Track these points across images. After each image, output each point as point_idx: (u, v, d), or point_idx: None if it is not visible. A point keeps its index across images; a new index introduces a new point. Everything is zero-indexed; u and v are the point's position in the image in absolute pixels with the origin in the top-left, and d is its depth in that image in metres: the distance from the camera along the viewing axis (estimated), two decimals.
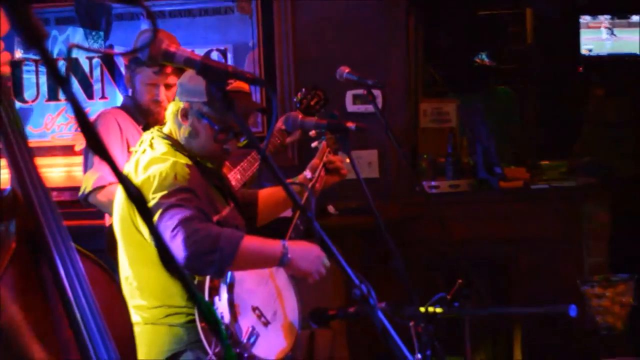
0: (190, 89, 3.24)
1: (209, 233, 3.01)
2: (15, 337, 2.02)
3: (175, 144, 3.27)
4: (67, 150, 5.53)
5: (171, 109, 3.33)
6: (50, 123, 5.54)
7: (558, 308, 2.76)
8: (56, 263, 2.04)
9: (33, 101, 5.56)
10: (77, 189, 5.44)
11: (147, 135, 3.36)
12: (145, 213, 1.36)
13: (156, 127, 3.41)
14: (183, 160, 3.21)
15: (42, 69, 5.51)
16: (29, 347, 2.01)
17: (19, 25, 1.29)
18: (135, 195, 1.35)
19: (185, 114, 3.26)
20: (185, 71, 3.25)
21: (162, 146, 3.26)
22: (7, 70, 2.20)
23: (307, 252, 3.19)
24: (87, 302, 2.06)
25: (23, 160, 2.09)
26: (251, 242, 3.11)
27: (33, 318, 2.03)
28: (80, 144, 5.47)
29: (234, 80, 2.98)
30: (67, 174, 5.51)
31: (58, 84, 1.33)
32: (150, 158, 3.22)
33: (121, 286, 2.41)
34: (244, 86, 3.23)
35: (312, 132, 3.60)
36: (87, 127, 1.29)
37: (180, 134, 3.29)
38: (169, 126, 3.34)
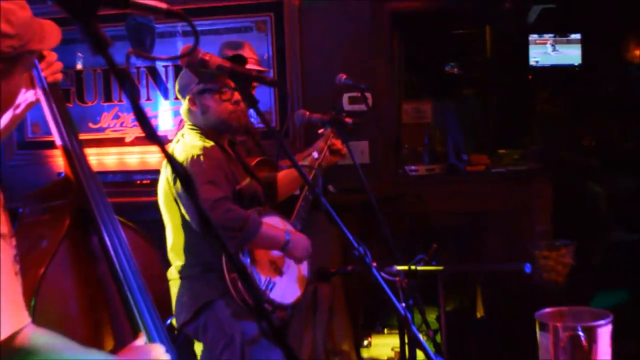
0: (185, 84, 3.28)
1: (240, 216, 3.06)
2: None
3: (201, 132, 3.26)
4: (119, 141, 5.52)
5: (182, 110, 3.34)
6: (105, 120, 5.52)
7: (516, 266, 2.71)
8: (102, 233, 2.02)
9: (92, 102, 5.53)
10: (127, 172, 5.48)
11: (179, 132, 3.36)
12: (189, 185, 1.34)
13: (186, 123, 3.38)
14: (209, 143, 3.21)
15: (99, 76, 5.51)
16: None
17: (87, 36, 1.27)
18: (181, 171, 1.33)
19: (192, 102, 3.26)
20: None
21: (191, 136, 3.27)
22: (59, 77, 2.16)
23: (300, 244, 3.28)
24: (128, 263, 2.04)
25: (74, 151, 2.05)
26: (266, 230, 3.15)
27: (84, 279, 2.00)
28: (130, 137, 5.45)
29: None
30: (119, 160, 5.50)
31: (119, 83, 1.31)
32: (183, 145, 3.22)
33: (157, 249, 2.37)
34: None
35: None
36: (142, 117, 1.28)
37: (198, 119, 3.27)
38: (190, 121, 3.32)
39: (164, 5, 1.42)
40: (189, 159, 3.12)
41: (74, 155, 2.08)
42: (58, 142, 2.11)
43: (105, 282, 2.05)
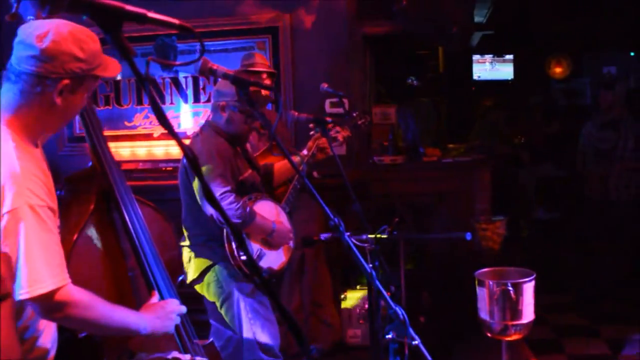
0: (225, 92, 3.18)
1: (242, 206, 3.04)
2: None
3: (217, 130, 3.21)
4: (148, 136, 5.43)
5: (212, 106, 3.27)
6: (137, 120, 5.45)
7: (460, 234, 2.67)
8: (122, 209, 1.98)
9: (127, 105, 5.46)
10: (154, 161, 5.42)
11: (199, 125, 3.31)
12: (197, 169, 1.36)
13: (206, 120, 3.33)
14: (222, 140, 3.16)
15: (132, 85, 5.45)
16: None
17: (115, 45, 1.25)
18: (191, 157, 1.34)
19: (223, 109, 3.19)
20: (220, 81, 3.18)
21: (209, 132, 3.21)
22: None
23: (283, 234, 3.27)
24: (144, 234, 2.02)
25: (100, 145, 2.01)
26: (259, 220, 3.14)
27: (108, 246, 1.97)
28: (157, 133, 5.39)
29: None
30: (148, 151, 5.42)
31: (141, 84, 1.29)
32: (202, 140, 3.17)
33: (170, 222, 2.34)
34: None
35: (312, 125, 3.55)
36: (158, 111, 1.27)
37: (221, 122, 3.22)
38: (213, 118, 3.27)
39: (176, 21, 1.37)
40: (206, 153, 3.08)
41: (100, 149, 2.03)
42: (87, 138, 2.06)
43: (126, 251, 2.01)
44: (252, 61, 3.93)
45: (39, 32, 1.70)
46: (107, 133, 5.61)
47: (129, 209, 2.01)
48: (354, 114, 3.93)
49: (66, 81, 1.71)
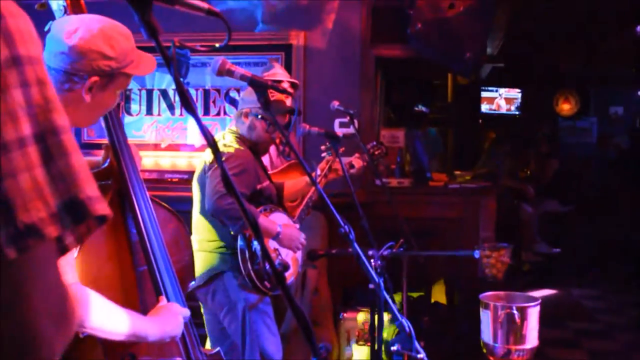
0: (249, 99, 3.22)
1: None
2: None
3: (239, 137, 3.24)
4: (156, 146, 5.44)
5: (235, 114, 3.32)
6: (146, 129, 5.46)
7: (467, 252, 2.67)
8: (135, 208, 1.97)
9: (137, 115, 5.48)
10: (161, 171, 5.41)
11: (221, 133, 3.34)
12: (217, 154, 1.29)
13: (227, 128, 3.36)
14: (243, 147, 3.18)
15: (143, 94, 5.46)
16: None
17: (143, 24, 1.23)
18: (212, 144, 1.31)
19: (246, 115, 3.23)
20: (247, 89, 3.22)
21: (230, 138, 3.24)
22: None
23: (291, 236, 3.22)
24: (155, 234, 1.99)
25: (119, 146, 2.00)
26: (261, 221, 3.09)
27: (118, 248, 1.95)
28: (165, 143, 5.40)
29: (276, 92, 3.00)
30: (155, 161, 5.41)
31: (166, 64, 1.23)
32: (222, 145, 3.20)
33: (184, 225, 2.31)
34: (282, 97, 3.21)
35: (323, 147, 3.56)
36: (183, 93, 1.23)
37: (243, 129, 3.25)
38: (235, 125, 3.31)
39: (205, 5, 1.40)
40: (226, 155, 3.10)
41: (119, 150, 2.03)
42: (106, 133, 2.05)
43: (136, 251, 1.99)
44: (272, 71, 3.93)
45: (69, 28, 1.69)
46: None
47: (142, 208, 1.99)
48: (370, 145, 3.95)
49: (95, 78, 1.70)
